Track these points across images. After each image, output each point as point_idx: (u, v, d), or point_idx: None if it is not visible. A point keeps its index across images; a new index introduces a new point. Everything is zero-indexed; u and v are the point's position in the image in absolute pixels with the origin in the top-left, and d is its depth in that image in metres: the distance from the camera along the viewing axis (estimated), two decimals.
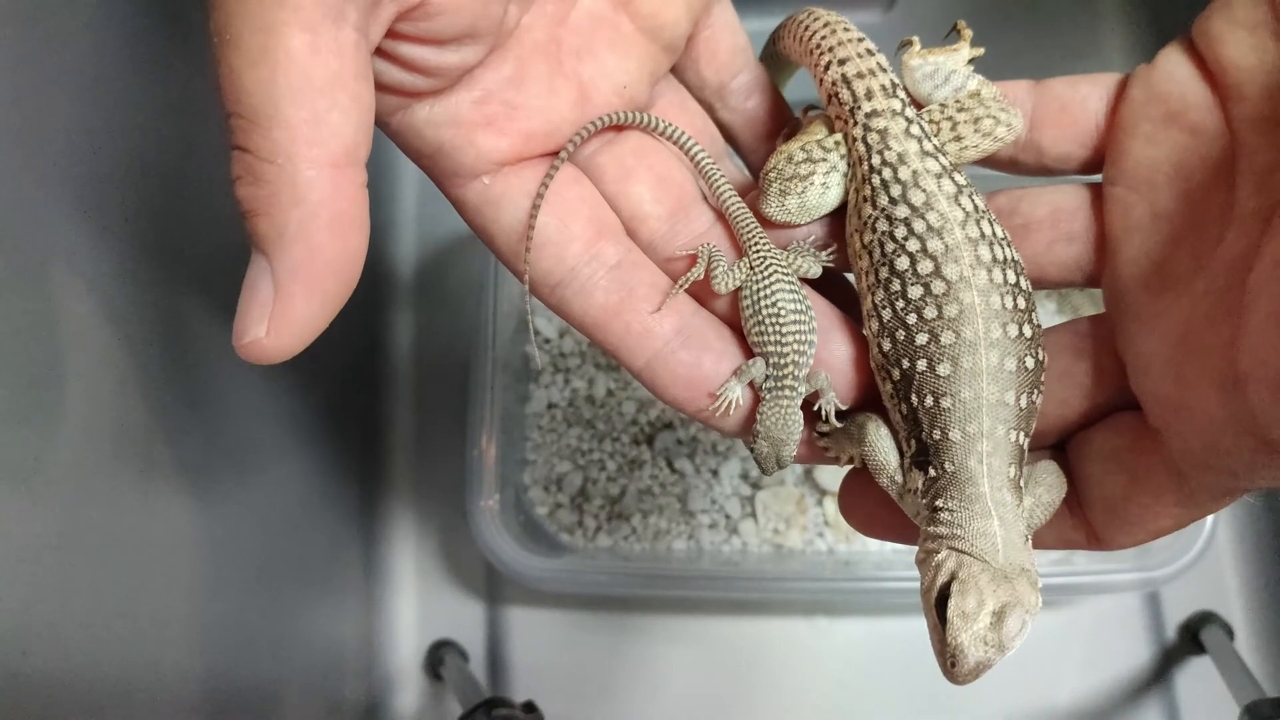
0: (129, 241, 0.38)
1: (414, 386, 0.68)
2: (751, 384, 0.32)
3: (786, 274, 0.31)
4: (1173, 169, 0.29)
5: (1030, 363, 0.28)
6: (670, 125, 0.33)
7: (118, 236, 0.38)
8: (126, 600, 0.39)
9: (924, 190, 0.29)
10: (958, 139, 0.31)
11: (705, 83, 0.35)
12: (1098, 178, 0.31)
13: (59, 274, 0.35)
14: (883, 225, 0.29)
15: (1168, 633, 0.61)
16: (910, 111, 0.31)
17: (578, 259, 0.31)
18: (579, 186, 0.32)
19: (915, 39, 0.32)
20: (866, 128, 0.30)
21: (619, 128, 0.33)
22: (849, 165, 0.31)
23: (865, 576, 0.59)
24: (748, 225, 0.32)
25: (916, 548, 0.30)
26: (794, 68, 0.37)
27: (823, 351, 0.32)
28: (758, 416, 0.32)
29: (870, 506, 0.33)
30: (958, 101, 0.31)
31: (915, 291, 0.29)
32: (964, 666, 0.26)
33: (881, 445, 0.30)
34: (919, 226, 0.29)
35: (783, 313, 0.31)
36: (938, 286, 0.28)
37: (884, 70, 0.31)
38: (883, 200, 0.29)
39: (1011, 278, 0.29)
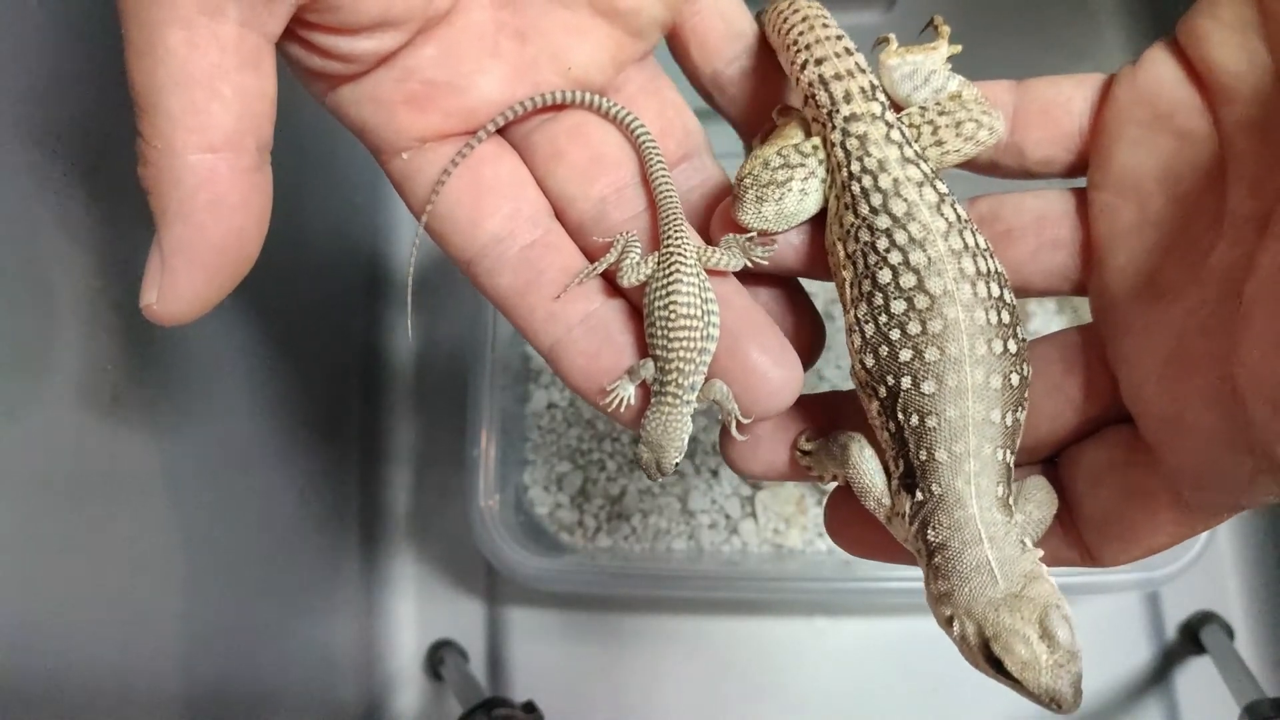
0: (120, 235, 0.38)
1: (414, 386, 0.68)
2: (645, 384, 0.31)
3: (691, 274, 0.30)
4: (1161, 174, 0.28)
5: (1015, 379, 0.28)
6: (613, 104, 0.32)
7: (109, 228, 0.38)
8: (126, 602, 0.39)
9: (905, 200, 0.28)
10: (939, 143, 0.30)
11: (697, 69, 0.34)
12: (1081, 182, 0.30)
13: (53, 278, 0.35)
14: (864, 235, 0.28)
15: (1168, 633, 0.61)
16: (890, 115, 0.30)
17: (489, 237, 0.31)
18: (499, 164, 0.32)
19: (892, 36, 0.31)
20: (845, 132, 0.29)
21: (559, 107, 0.32)
22: (828, 171, 0.30)
23: (865, 577, 0.58)
24: (669, 216, 0.31)
25: (905, 564, 0.29)
26: None
27: (727, 360, 0.30)
28: (643, 422, 0.31)
29: (857, 527, 0.32)
30: (938, 104, 0.30)
31: (898, 306, 0.28)
32: (1066, 700, 0.25)
33: (866, 467, 0.29)
34: (900, 238, 0.28)
35: (674, 316, 0.29)
36: (921, 301, 0.27)
37: (863, 71, 0.30)
38: (863, 209, 0.28)
39: (995, 291, 0.28)
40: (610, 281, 0.32)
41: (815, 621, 0.63)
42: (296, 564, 0.55)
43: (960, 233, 0.28)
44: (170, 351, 0.43)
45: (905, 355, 0.28)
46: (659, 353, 0.30)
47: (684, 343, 0.29)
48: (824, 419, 0.32)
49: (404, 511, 0.66)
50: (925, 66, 0.31)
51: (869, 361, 0.28)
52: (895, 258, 0.28)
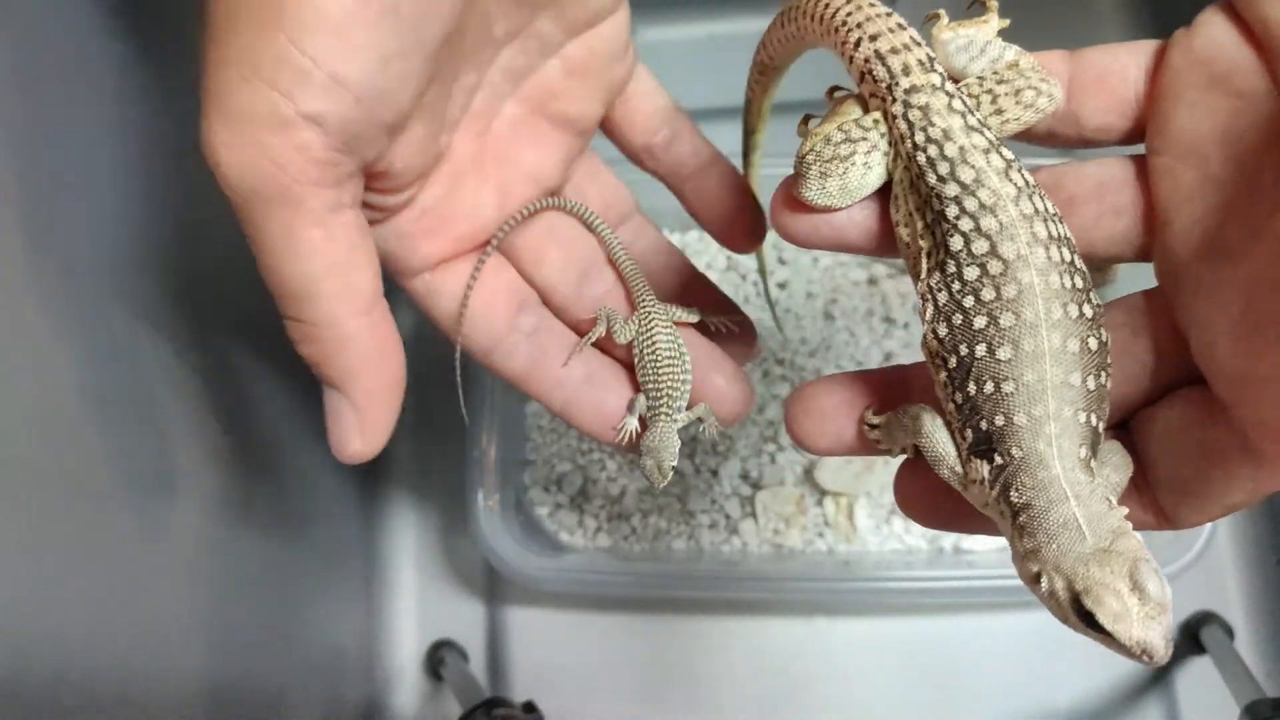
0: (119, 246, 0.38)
1: (414, 387, 0.68)
2: (641, 415, 0.40)
3: (665, 324, 0.39)
4: (1221, 135, 0.28)
5: (1094, 344, 0.28)
6: (578, 205, 0.40)
7: (99, 237, 0.38)
8: (127, 600, 0.39)
9: (973, 166, 0.28)
10: (999, 112, 0.30)
11: (629, 144, 0.41)
12: (1138, 149, 0.31)
13: (60, 275, 0.35)
14: (934, 204, 0.28)
15: None
16: (950, 86, 0.30)
17: (502, 330, 0.39)
18: (499, 274, 0.39)
19: (942, 12, 0.31)
20: (907, 104, 0.29)
21: (535, 213, 0.39)
22: (890, 145, 0.30)
23: (865, 576, 0.58)
24: (638, 286, 0.40)
25: (980, 532, 0.30)
26: (782, 73, 0.38)
27: (698, 388, 0.40)
28: (643, 439, 0.39)
29: (931, 497, 0.32)
30: (996, 73, 0.30)
31: (971, 273, 0.28)
32: (1157, 650, 0.25)
33: (939, 436, 0.29)
34: (970, 204, 0.28)
35: (659, 359, 0.39)
36: (994, 266, 0.27)
37: (918, 44, 0.30)
38: (930, 178, 0.28)
39: (1067, 255, 0.28)
40: (597, 345, 0.40)
41: (815, 621, 0.63)
42: (296, 564, 0.55)
43: (1030, 197, 0.28)
44: (172, 357, 0.43)
45: (980, 322, 0.28)
46: (649, 387, 0.39)
47: (669, 377, 0.39)
48: (885, 394, 0.33)
49: (404, 511, 0.66)
50: (980, 38, 0.31)
51: (942, 331, 0.28)
52: (966, 224, 0.28)
